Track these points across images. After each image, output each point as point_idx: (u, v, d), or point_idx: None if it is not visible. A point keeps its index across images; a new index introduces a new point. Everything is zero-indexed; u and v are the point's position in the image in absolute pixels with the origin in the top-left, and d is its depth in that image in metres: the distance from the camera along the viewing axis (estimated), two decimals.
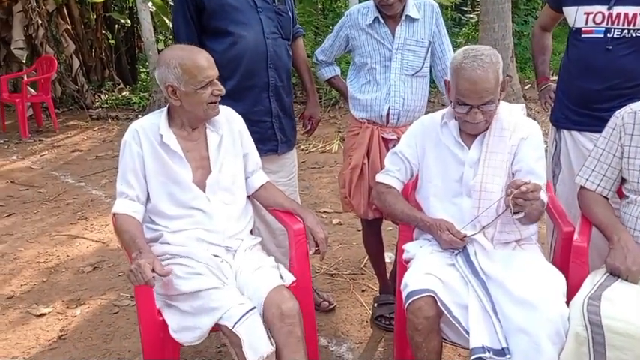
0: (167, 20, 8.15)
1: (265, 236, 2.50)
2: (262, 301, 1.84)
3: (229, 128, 2.12)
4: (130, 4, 9.51)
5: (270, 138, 2.46)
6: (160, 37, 8.00)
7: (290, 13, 2.51)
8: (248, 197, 2.20)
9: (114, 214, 1.99)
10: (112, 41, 9.24)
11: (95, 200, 4.74)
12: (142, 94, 8.43)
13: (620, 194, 2.05)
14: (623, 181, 2.00)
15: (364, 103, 2.50)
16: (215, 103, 1.99)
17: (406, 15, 2.42)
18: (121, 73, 9.54)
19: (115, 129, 7.28)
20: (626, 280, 1.77)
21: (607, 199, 2.04)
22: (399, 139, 2.43)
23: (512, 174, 2.00)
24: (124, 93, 8.78)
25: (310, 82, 2.74)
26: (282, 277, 1.97)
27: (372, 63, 2.47)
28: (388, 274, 2.84)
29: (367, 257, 3.32)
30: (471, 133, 2.03)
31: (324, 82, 2.89)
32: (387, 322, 2.65)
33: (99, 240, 3.90)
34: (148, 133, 2.00)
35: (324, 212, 4.17)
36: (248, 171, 2.18)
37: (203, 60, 1.94)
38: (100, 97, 8.55)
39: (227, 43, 2.34)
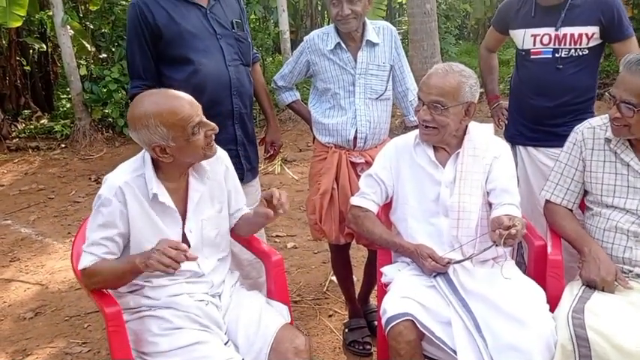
0: (87, 44, 7.81)
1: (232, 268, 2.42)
2: (271, 340, 1.81)
3: (214, 171, 1.94)
4: (44, 28, 9.02)
5: (236, 167, 2.36)
6: (82, 62, 7.60)
7: (249, 40, 2.46)
8: None
9: (82, 269, 1.79)
10: (27, 67, 8.71)
11: (25, 239, 4.40)
12: (63, 121, 7.99)
13: (583, 207, 2.15)
14: (586, 193, 2.09)
15: (330, 127, 2.49)
16: (211, 143, 1.80)
17: (367, 40, 2.44)
18: (37, 100, 9.00)
19: (37, 160, 6.84)
20: (603, 290, 1.85)
21: (572, 211, 2.13)
22: (366, 162, 2.45)
23: (487, 193, 2.05)
24: (42, 121, 8.27)
25: (270, 107, 2.70)
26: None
27: (336, 88, 2.47)
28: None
29: (328, 281, 3.32)
30: (423, 139, 2.08)
31: (284, 107, 2.86)
32: (361, 347, 2.62)
33: (37, 282, 3.61)
34: (135, 191, 1.77)
35: (277, 236, 4.09)
36: (231, 212, 2.05)
37: (184, 106, 1.72)
38: (16, 126, 8.02)
39: (188, 71, 2.25)
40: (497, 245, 1.82)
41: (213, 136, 1.81)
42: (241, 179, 2.42)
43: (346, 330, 2.74)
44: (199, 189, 1.89)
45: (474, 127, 2.09)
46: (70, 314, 3.17)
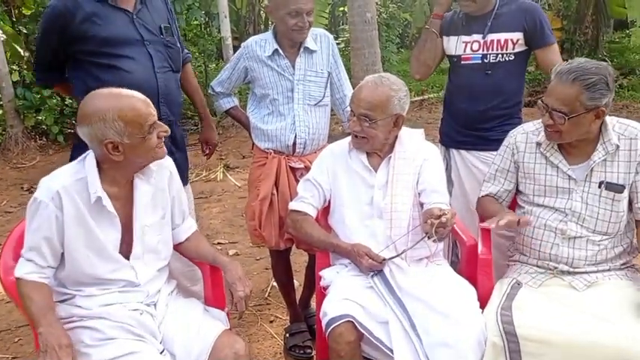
0: (20, 50, 7.52)
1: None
2: (210, 346, 1.79)
3: (158, 176, 1.91)
4: None
5: None
6: (14, 67, 7.30)
7: (179, 44, 2.44)
8: None
9: (18, 278, 1.74)
10: None
11: None
12: None
13: (513, 207, 2.24)
14: (519, 192, 2.19)
15: (269, 133, 2.50)
16: (161, 145, 1.80)
17: (304, 47, 2.46)
18: None
19: None
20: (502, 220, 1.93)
21: None
22: (305, 167, 2.47)
23: (419, 193, 2.12)
24: None
25: (203, 106, 2.69)
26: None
27: (274, 94, 2.48)
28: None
29: (270, 287, 3.31)
30: (355, 147, 2.15)
31: (222, 113, 2.84)
32: (302, 352, 2.63)
33: None
34: (73, 195, 1.72)
35: (219, 243, 4.05)
36: (175, 222, 2.02)
37: (142, 104, 1.73)
38: None
39: (116, 78, 2.17)
40: (429, 237, 1.87)
41: (164, 138, 1.81)
42: None
43: (287, 335, 2.74)
44: (147, 191, 1.86)
45: (404, 132, 2.16)
46: (0, 328, 3.04)
